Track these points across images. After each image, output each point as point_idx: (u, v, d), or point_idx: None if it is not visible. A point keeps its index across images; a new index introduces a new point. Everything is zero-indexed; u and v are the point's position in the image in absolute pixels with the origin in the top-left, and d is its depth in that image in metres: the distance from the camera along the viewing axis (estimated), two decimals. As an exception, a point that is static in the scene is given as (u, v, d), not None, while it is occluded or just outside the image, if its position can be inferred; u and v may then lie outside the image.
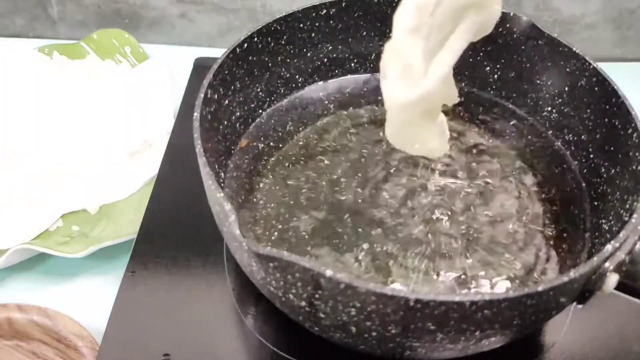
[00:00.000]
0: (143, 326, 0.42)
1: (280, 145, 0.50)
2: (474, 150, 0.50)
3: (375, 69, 0.55)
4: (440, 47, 0.35)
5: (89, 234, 0.51)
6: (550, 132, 0.50)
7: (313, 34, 0.51)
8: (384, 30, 0.53)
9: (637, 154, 0.39)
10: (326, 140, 0.51)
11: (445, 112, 0.50)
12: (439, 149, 0.39)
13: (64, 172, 0.55)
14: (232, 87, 0.46)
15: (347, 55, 0.54)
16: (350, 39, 0.53)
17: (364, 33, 0.53)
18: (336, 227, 0.43)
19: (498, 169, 0.49)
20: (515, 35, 0.49)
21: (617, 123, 0.42)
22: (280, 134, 0.51)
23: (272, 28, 0.48)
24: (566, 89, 0.48)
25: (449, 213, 0.45)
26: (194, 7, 0.72)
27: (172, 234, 0.48)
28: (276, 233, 0.43)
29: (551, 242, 0.43)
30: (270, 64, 0.50)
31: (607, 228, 0.41)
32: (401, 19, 0.35)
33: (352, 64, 0.55)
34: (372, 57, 0.55)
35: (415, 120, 0.36)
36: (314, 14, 0.50)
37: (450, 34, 0.35)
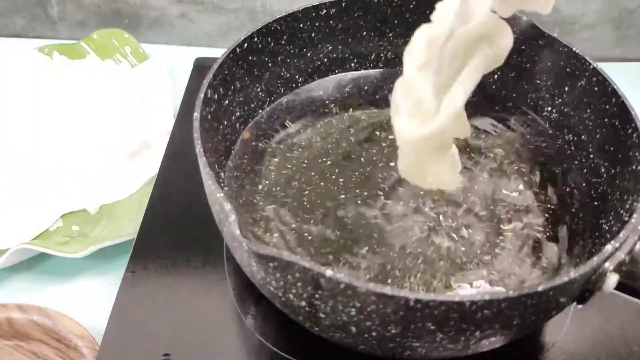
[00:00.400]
0: (143, 326, 0.42)
1: (280, 145, 0.50)
2: (474, 151, 0.50)
3: (375, 69, 0.55)
4: (452, 80, 0.35)
5: (89, 234, 0.51)
6: (550, 132, 0.50)
7: (313, 34, 0.51)
8: (384, 30, 0.53)
9: (637, 154, 0.39)
10: (326, 140, 0.51)
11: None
12: (452, 182, 0.39)
13: (64, 172, 0.55)
14: (232, 87, 0.46)
15: (347, 55, 0.54)
16: (350, 39, 0.53)
17: (364, 33, 0.53)
18: (336, 228, 0.43)
19: (498, 168, 0.49)
20: (515, 35, 0.49)
21: (617, 123, 0.42)
22: (280, 134, 0.51)
23: (272, 28, 0.48)
24: (566, 89, 0.48)
25: (448, 213, 0.45)
26: (194, 7, 0.73)
27: (172, 234, 0.48)
28: (276, 233, 0.43)
29: (551, 243, 0.43)
30: (270, 64, 0.50)
31: (607, 228, 0.41)
32: (411, 55, 0.35)
33: (352, 64, 0.55)
34: (372, 57, 0.55)
35: (428, 155, 0.36)
36: (314, 14, 0.50)
37: (462, 67, 0.34)
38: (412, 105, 0.35)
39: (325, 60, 0.53)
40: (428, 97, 0.34)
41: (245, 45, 0.46)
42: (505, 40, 0.35)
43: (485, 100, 0.53)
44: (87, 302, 0.47)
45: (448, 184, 0.39)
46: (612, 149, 0.43)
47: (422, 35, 0.35)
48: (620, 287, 0.33)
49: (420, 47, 0.34)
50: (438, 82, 0.34)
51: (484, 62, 0.34)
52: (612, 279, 0.32)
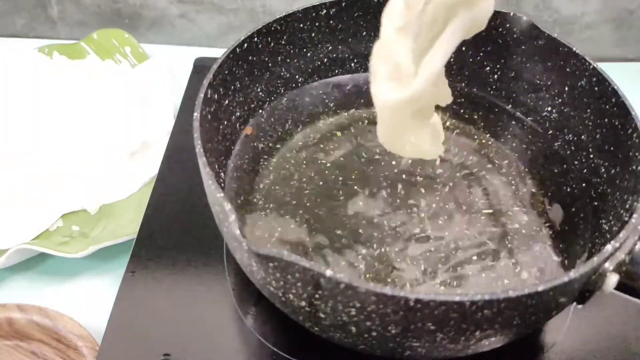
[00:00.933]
0: (143, 326, 0.42)
1: (280, 145, 0.50)
2: (474, 150, 0.50)
3: (375, 69, 0.55)
4: (431, 46, 0.34)
5: (89, 234, 0.51)
6: (550, 132, 0.50)
7: (313, 34, 0.51)
8: (384, 30, 0.53)
9: (637, 154, 0.39)
10: (326, 140, 0.51)
11: (445, 112, 0.50)
12: (433, 150, 0.38)
13: (64, 172, 0.55)
14: (232, 87, 0.46)
15: (347, 55, 0.54)
16: (350, 39, 0.53)
17: (364, 33, 0.53)
18: (336, 228, 0.43)
19: (498, 168, 0.49)
20: (515, 35, 0.49)
21: (617, 123, 0.42)
22: (280, 133, 0.51)
23: (272, 28, 0.48)
24: (566, 89, 0.48)
25: (448, 213, 0.45)
26: (194, 7, 0.73)
27: (172, 234, 0.48)
28: (276, 233, 0.43)
29: (551, 242, 0.43)
30: (270, 64, 0.50)
31: (607, 228, 0.41)
32: (390, 18, 0.34)
33: (352, 64, 0.55)
34: (372, 57, 0.55)
35: (407, 121, 0.35)
36: (314, 14, 0.50)
37: (441, 32, 0.34)
38: (389, 69, 0.34)
39: (325, 60, 0.53)
40: (406, 61, 0.33)
41: (245, 45, 0.46)
42: (486, 4, 0.34)
43: (485, 99, 0.53)
44: (87, 302, 0.47)
45: (428, 153, 0.38)
46: (612, 149, 0.43)
47: None
48: (620, 287, 0.33)
49: (399, 9, 0.33)
50: (417, 47, 0.33)
51: (464, 25, 0.34)
52: (612, 279, 0.32)
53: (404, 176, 0.47)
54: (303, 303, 0.32)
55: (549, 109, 0.50)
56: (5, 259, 0.47)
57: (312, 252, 0.42)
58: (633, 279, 0.33)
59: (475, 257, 0.42)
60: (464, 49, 0.52)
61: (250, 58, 0.47)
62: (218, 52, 0.45)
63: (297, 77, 0.53)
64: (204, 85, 0.41)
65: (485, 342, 0.33)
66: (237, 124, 0.48)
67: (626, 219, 0.37)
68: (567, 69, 0.47)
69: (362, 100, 0.54)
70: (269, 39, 0.48)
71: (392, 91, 0.34)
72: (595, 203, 0.44)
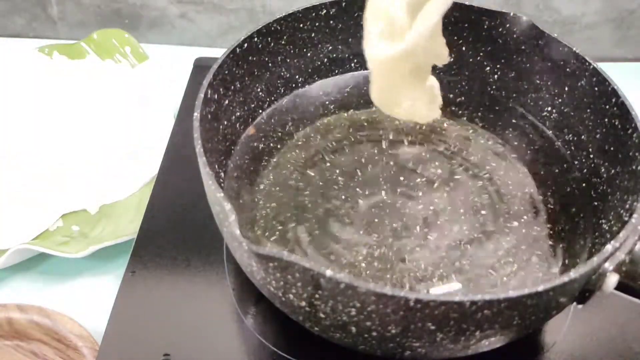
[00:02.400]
0: (143, 326, 0.42)
1: (280, 146, 0.50)
2: (474, 150, 0.50)
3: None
4: (426, 2, 0.33)
5: (89, 234, 0.52)
6: (550, 132, 0.50)
7: (313, 34, 0.51)
8: (384, 30, 0.53)
9: (637, 154, 0.39)
10: (326, 140, 0.51)
11: (444, 111, 0.50)
12: (428, 114, 0.37)
13: (64, 172, 0.55)
14: (232, 87, 0.46)
15: (347, 55, 0.54)
16: (350, 39, 0.53)
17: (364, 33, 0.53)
18: (336, 228, 0.43)
19: (497, 168, 0.49)
20: (515, 35, 0.49)
21: (617, 123, 0.42)
22: (280, 134, 0.50)
23: (272, 28, 0.48)
24: (566, 89, 0.48)
25: (448, 212, 0.45)
26: (194, 7, 0.73)
27: (172, 234, 0.48)
28: (276, 233, 0.43)
29: (551, 242, 0.43)
30: (270, 64, 0.50)
31: (607, 228, 0.41)
32: None
33: (352, 64, 0.55)
34: (372, 57, 0.55)
35: (402, 80, 0.34)
36: (314, 14, 0.50)
37: None
38: (383, 26, 0.32)
39: (325, 60, 0.53)
40: (400, 14, 0.32)
41: (245, 45, 0.46)
42: None
43: (486, 99, 0.53)
44: (87, 302, 0.47)
45: (423, 116, 0.37)
46: (612, 149, 0.43)
47: None
48: (620, 287, 0.33)
49: None
50: (412, 2, 0.32)
51: None
52: (612, 279, 0.32)
53: (403, 178, 0.47)
54: (303, 303, 0.32)
55: (549, 109, 0.50)
56: (5, 259, 0.47)
57: (312, 252, 0.42)
58: (633, 279, 0.33)
59: (474, 257, 0.42)
60: (464, 48, 0.52)
61: (250, 58, 0.47)
62: (218, 52, 0.45)
63: (297, 77, 0.53)
64: (204, 85, 0.41)
65: (485, 342, 0.33)
66: (237, 124, 0.48)
67: (626, 219, 0.37)
68: (567, 69, 0.47)
69: (362, 100, 0.54)
70: (269, 39, 0.48)
71: (386, 46, 0.32)
72: (595, 203, 0.44)
